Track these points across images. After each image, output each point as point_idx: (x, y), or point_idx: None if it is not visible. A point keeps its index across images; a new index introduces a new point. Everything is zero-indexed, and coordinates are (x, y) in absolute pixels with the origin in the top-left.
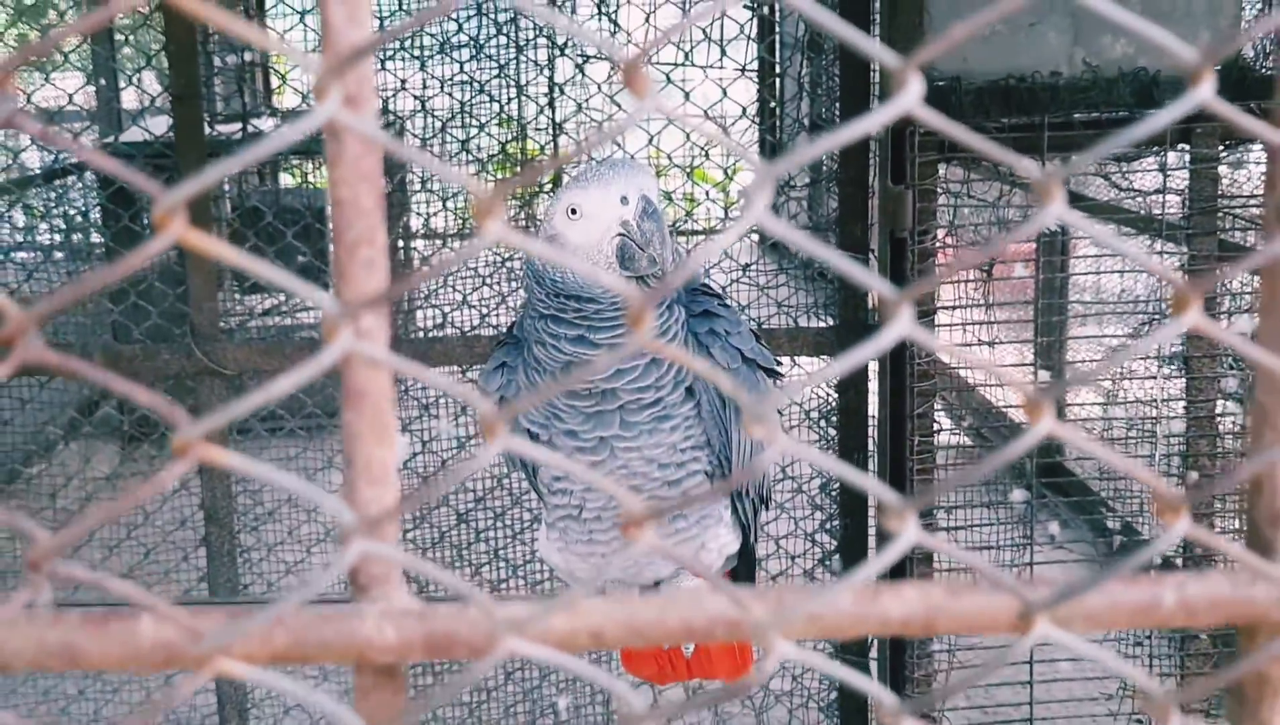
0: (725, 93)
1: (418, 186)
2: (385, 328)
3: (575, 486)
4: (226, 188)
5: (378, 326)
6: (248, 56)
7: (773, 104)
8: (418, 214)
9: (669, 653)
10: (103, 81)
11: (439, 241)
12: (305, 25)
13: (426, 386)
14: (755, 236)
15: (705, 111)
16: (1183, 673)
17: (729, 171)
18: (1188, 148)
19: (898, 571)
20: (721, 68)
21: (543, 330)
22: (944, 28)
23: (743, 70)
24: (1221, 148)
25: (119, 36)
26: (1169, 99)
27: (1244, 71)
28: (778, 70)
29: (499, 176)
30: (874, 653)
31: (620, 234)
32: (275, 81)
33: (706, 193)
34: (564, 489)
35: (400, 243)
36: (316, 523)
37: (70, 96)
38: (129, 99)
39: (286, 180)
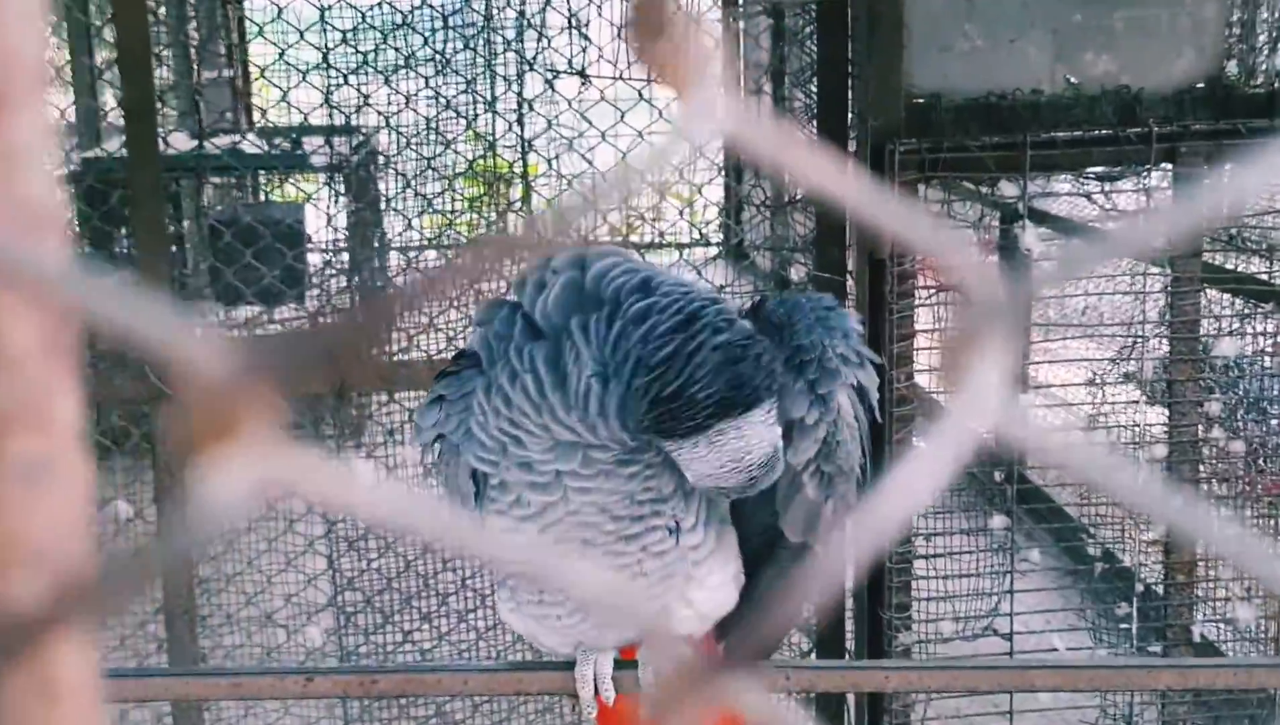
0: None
1: (382, 205)
2: None
3: (519, 539)
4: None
5: None
6: (227, 73)
7: None
8: (385, 231)
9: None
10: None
11: (411, 255)
12: (286, 62)
13: (391, 412)
14: (722, 258)
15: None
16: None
17: (699, 188)
18: (1171, 167)
19: (874, 589)
20: None
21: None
22: (924, 44)
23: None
24: (1206, 167)
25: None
26: (1152, 117)
27: (1229, 90)
28: (743, 86)
29: (467, 192)
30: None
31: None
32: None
33: (680, 212)
34: (507, 528)
35: (375, 259)
36: (275, 591)
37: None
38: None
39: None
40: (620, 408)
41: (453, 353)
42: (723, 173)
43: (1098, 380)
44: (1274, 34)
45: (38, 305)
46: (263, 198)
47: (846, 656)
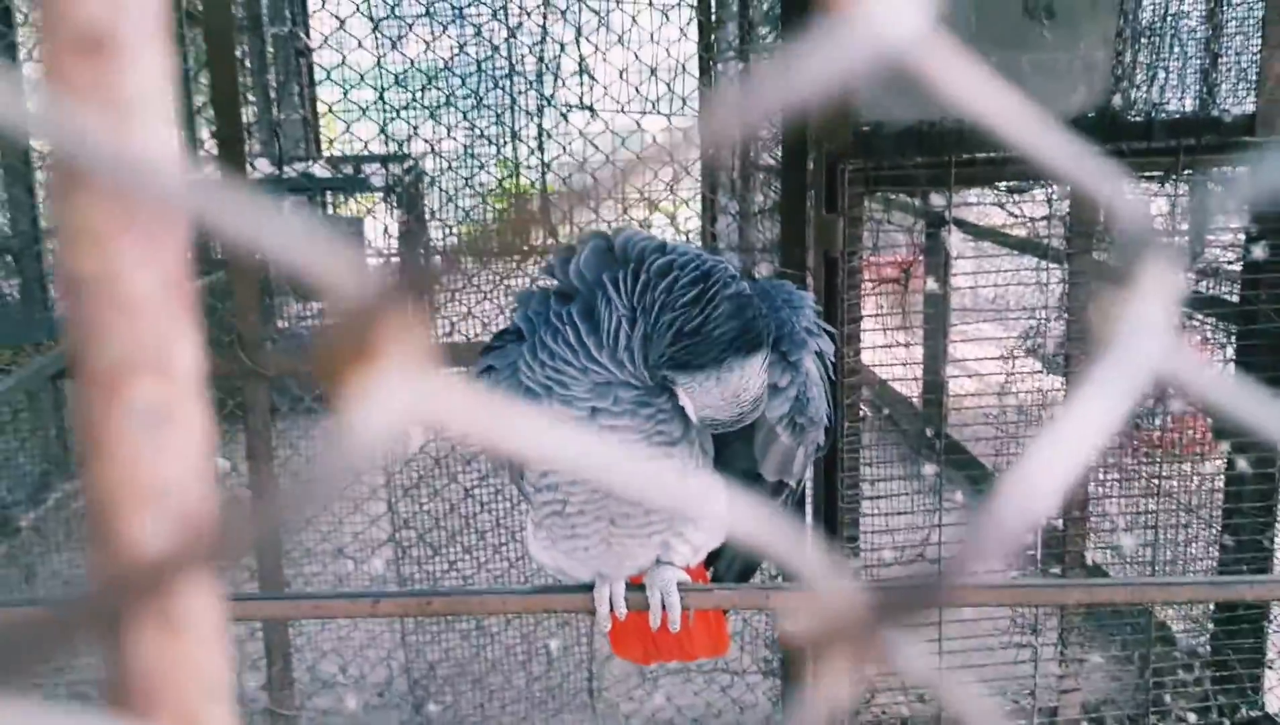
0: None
1: (429, 216)
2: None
3: (562, 478)
4: None
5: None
6: (300, 111)
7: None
8: (431, 238)
9: (654, 634)
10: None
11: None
12: (349, 100)
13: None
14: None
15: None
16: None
17: (686, 201)
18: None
19: (829, 522)
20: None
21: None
22: (869, 82)
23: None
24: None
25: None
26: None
27: (1114, 118)
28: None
29: (497, 208)
30: None
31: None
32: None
33: (671, 220)
34: (551, 484)
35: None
36: (344, 529)
37: None
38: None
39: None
40: (644, 343)
41: (486, 336)
42: (700, 188)
43: (1007, 355)
44: (1149, 74)
45: (157, 248)
46: (330, 212)
47: None
